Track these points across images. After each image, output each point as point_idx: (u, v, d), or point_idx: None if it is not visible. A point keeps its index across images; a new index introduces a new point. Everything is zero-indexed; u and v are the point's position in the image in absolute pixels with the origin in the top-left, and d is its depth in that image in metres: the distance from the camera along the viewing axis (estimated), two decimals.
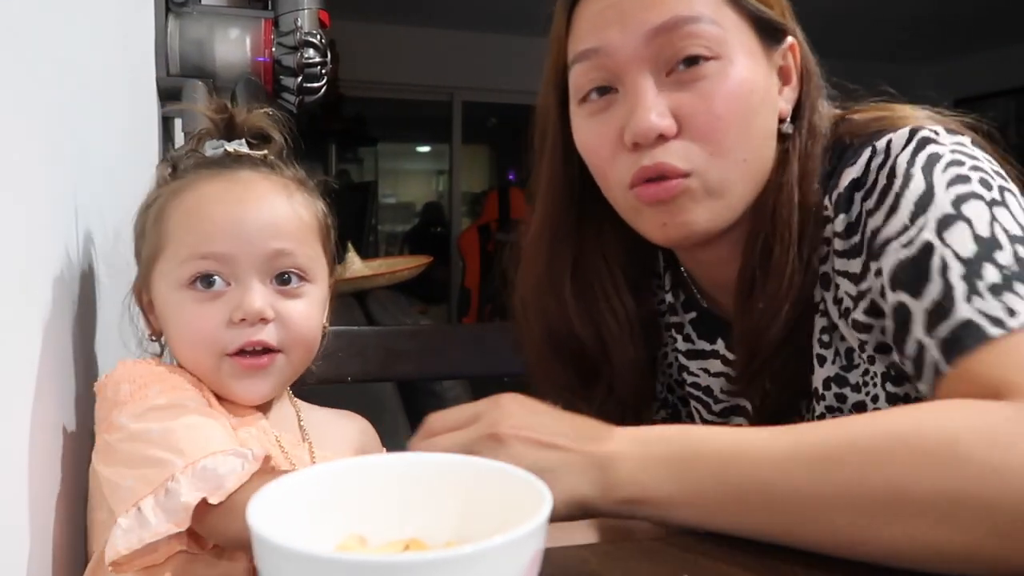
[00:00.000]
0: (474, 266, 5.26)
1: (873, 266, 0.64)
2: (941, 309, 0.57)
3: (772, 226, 0.69)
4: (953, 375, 0.55)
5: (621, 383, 0.80)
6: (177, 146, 1.25)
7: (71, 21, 0.77)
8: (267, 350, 0.67)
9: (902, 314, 0.60)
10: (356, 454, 0.74)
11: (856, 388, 0.70)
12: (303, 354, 0.71)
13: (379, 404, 2.08)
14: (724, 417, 0.81)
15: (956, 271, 0.58)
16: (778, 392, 0.73)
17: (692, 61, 0.66)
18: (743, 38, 0.68)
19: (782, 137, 0.71)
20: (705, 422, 0.82)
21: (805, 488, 0.51)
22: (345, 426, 0.79)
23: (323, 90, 1.27)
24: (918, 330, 0.59)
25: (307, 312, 0.69)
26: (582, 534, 0.67)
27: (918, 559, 0.48)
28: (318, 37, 1.25)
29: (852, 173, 0.67)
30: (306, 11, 1.27)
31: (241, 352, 0.66)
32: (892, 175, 0.64)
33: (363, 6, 4.31)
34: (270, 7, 1.29)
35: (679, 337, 0.83)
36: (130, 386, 0.63)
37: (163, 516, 0.56)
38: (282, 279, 0.68)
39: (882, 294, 0.63)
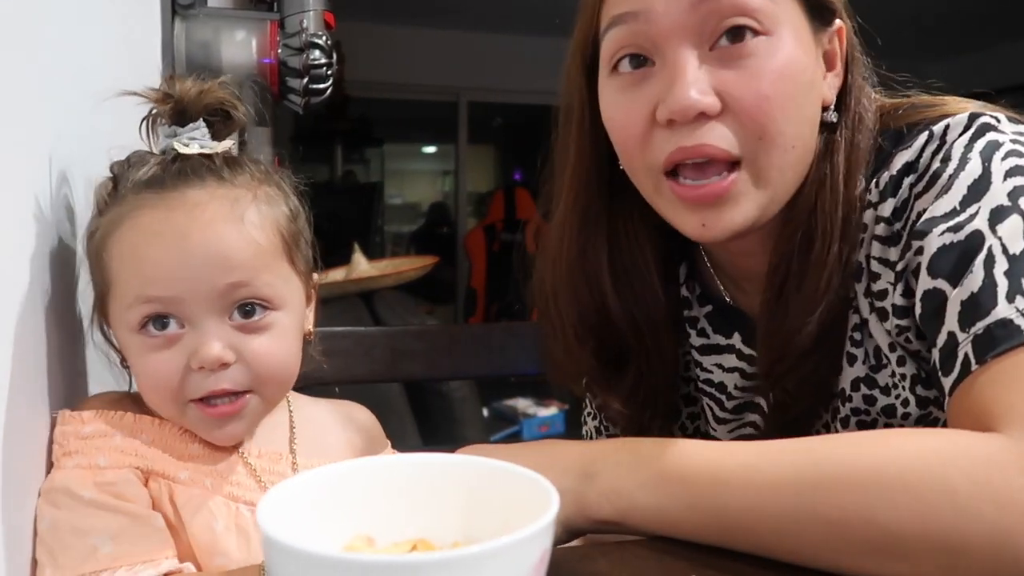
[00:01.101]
0: (480, 266, 5.26)
1: (915, 244, 0.60)
2: (979, 304, 0.54)
3: (813, 222, 0.65)
4: (981, 374, 0.53)
5: (653, 369, 0.77)
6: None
7: (79, 24, 0.77)
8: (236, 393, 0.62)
9: (936, 300, 0.57)
10: (354, 455, 0.72)
11: (885, 390, 0.67)
12: (277, 388, 0.66)
13: (386, 404, 2.09)
14: (737, 414, 0.79)
15: (1001, 266, 0.54)
16: (801, 393, 0.70)
17: (738, 35, 0.60)
18: (793, 15, 0.62)
19: (823, 126, 0.66)
20: (717, 419, 0.80)
21: (787, 516, 0.50)
22: (345, 424, 0.76)
23: (329, 91, 1.27)
24: (951, 321, 0.56)
25: (273, 347, 0.63)
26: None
27: None
28: (323, 38, 1.25)
29: (905, 157, 0.63)
30: (311, 12, 1.27)
31: (207, 398, 0.62)
32: (947, 159, 0.60)
33: (368, 7, 4.32)
34: (276, 9, 1.30)
35: (693, 332, 0.80)
36: (76, 443, 0.60)
37: None
38: (243, 311, 0.62)
39: (915, 273, 0.60)
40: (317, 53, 1.24)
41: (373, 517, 0.45)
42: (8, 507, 0.55)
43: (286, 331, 0.64)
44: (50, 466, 0.61)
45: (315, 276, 0.71)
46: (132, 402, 0.65)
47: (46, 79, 0.65)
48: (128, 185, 0.62)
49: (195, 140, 0.63)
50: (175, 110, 0.63)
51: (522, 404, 3.07)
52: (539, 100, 5.52)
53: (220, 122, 0.65)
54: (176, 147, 0.63)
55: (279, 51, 1.24)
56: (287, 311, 0.64)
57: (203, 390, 0.61)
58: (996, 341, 0.52)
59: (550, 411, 3.05)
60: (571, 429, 2.89)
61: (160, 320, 0.60)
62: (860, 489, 0.48)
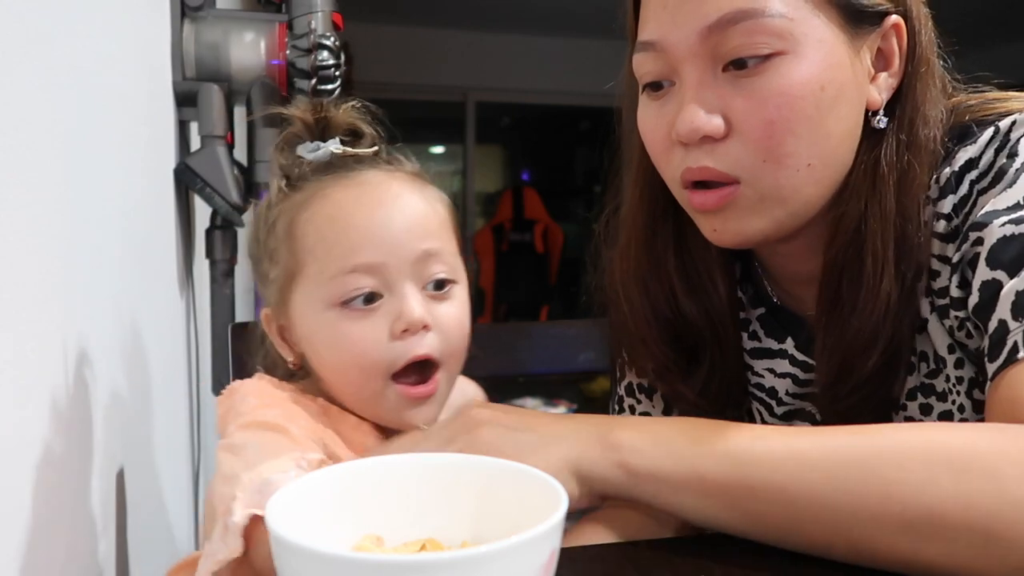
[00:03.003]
0: (488, 266, 5.26)
1: (972, 235, 0.59)
2: None
3: (863, 235, 0.63)
4: None
5: (725, 364, 0.77)
6: (193, 150, 1.26)
7: (89, 27, 0.77)
8: (429, 364, 0.63)
9: (992, 290, 0.57)
10: None
11: (942, 396, 0.66)
12: (456, 367, 0.67)
13: None
14: (787, 420, 0.78)
15: None
16: (862, 410, 0.67)
17: (742, 63, 0.60)
18: (818, 27, 0.60)
19: (873, 131, 0.64)
20: (766, 424, 0.79)
21: (821, 493, 0.50)
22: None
23: (337, 92, 1.27)
24: (1004, 309, 0.55)
25: (460, 315, 0.66)
26: (597, 534, 0.67)
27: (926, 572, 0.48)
28: (332, 39, 1.25)
29: (968, 153, 0.62)
30: (320, 13, 1.27)
31: (404, 375, 0.63)
32: (1013, 155, 0.59)
33: (376, 8, 4.32)
34: (284, 10, 1.30)
35: (744, 334, 0.79)
36: (256, 400, 0.61)
37: (221, 541, 0.51)
38: (432, 284, 0.64)
39: (972, 264, 0.59)
40: (325, 54, 1.24)
41: (382, 517, 0.45)
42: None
43: (464, 305, 0.67)
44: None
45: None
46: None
47: (55, 81, 0.66)
48: (304, 172, 0.66)
49: (342, 147, 0.67)
50: (318, 128, 0.68)
51: (531, 404, 3.06)
52: (547, 100, 5.53)
53: (352, 141, 0.69)
54: (332, 149, 0.66)
55: (288, 52, 1.24)
56: (462, 287, 0.67)
57: (406, 355, 0.62)
58: None
59: (559, 411, 3.05)
60: None
61: (367, 298, 0.62)
62: (906, 466, 0.48)
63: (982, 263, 0.58)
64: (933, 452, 0.48)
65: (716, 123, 0.61)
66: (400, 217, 0.63)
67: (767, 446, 0.52)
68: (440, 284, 0.65)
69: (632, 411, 0.86)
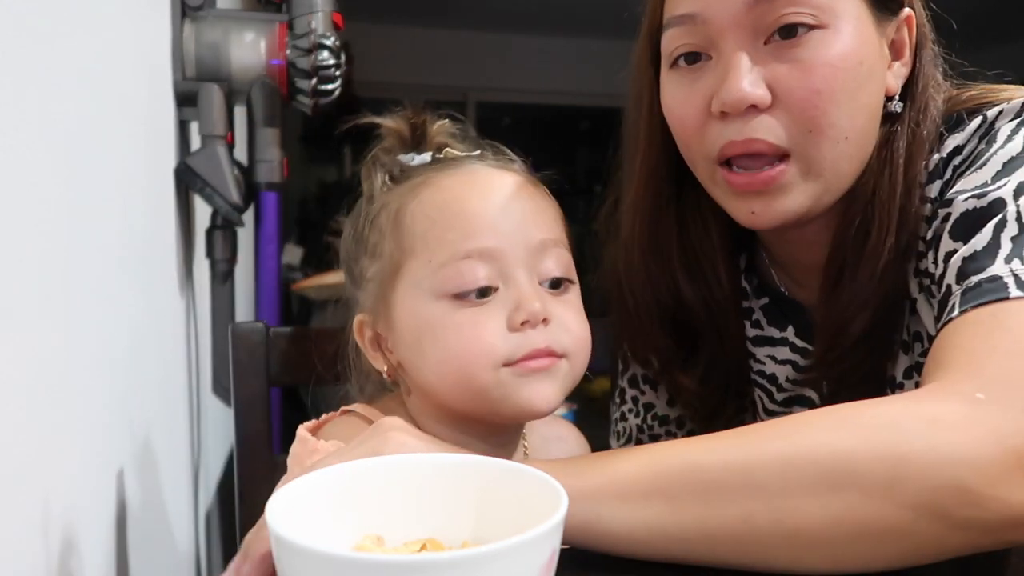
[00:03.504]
0: None
1: (941, 212, 0.61)
2: (977, 260, 0.56)
3: (871, 212, 0.65)
4: (959, 321, 0.54)
5: (725, 351, 0.78)
6: (193, 150, 1.26)
7: (89, 27, 0.77)
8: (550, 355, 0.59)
9: (947, 259, 0.59)
10: None
11: None
12: (582, 363, 0.62)
13: None
14: (787, 407, 0.79)
15: (1011, 231, 0.56)
16: (852, 381, 0.70)
17: (792, 30, 0.61)
18: (853, 6, 0.63)
19: (887, 116, 0.66)
20: (766, 411, 0.81)
21: (732, 463, 0.48)
22: (558, 444, 0.74)
23: (338, 92, 1.27)
24: (952, 275, 0.57)
25: (580, 318, 0.62)
26: None
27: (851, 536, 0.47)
28: (332, 39, 1.25)
29: (956, 140, 0.64)
30: (320, 13, 1.27)
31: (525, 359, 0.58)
32: (992, 140, 0.61)
33: (376, 8, 4.32)
34: (284, 10, 1.30)
35: (747, 323, 0.80)
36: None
37: None
38: (548, 282, 0.60)
39: (938, 239, 0.61)
40: (326, 54, 1.24)
41: (383, 517, 0.45)
42: None
43: (582, 311, 0.63)
44: None
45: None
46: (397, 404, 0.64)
47: (55, 81, 0.66)
48: (412, 165, 0.64)
49: (445, 151, 0.65)
50: (413, 142, 0.65)
51: None
52: (547, 100, 5.53)
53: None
54: (434, 154, 0.64)
55: (288, 52, 1.24)
56: (577, 288, 0.63)
57: (525, 347, 0.58)
58: (982, 293, 0.53)
59: (560, 411, 3.04)
60: (581, 428, 2.87)
61: (482, 292, 0.58)
62: (810, 425, 0.49)
63: (945, 236, 0.60)
64: (828, 413, 0.50)
65: (762, 92, 0.61)
66: (516, 204, 0.60)
67: (675, 450, 0.52)
68: (556, 283, 0.61)
69: (635, 403, 0.87)
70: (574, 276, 0.63)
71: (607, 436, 0.92)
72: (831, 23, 0.61)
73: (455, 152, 0.65)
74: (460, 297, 0.58)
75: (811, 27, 0.61)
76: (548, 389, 0.59)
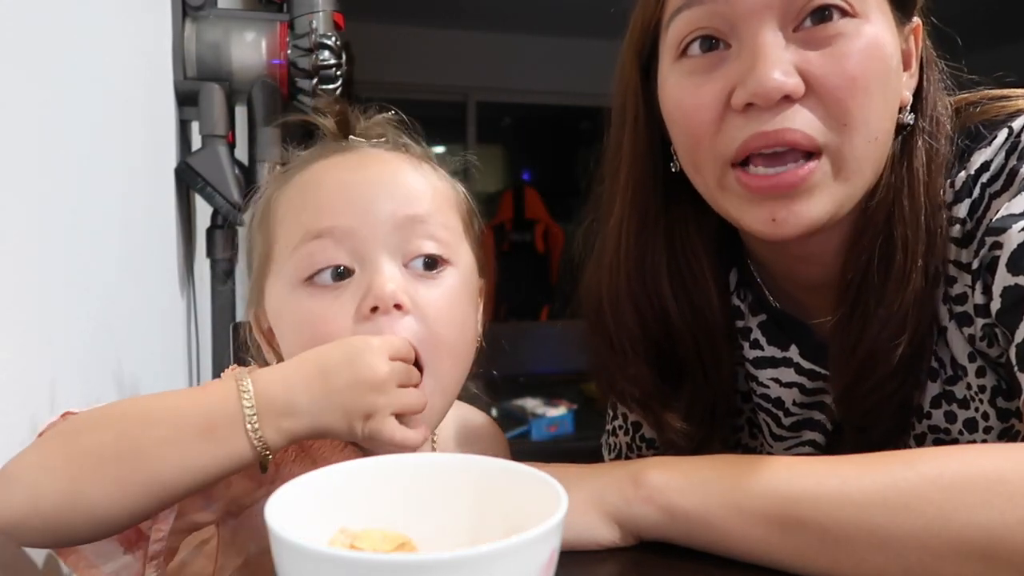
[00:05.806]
0: (489, 266, 5.26)
1: (989, 240, 0.57)
2: None
3: (893, 230, 0.60)
4: None
5: (710, 383, 0.73)
6: (194, 149, 1.26)
7: (90, 27, 0.77)
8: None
9: (1015, 296, 0.55)
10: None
11: (964, 404, 0.64)
12: (449, 373, 0.56)
13: None
14: (795, 431, 0.75)
15: None
16: (880, 416, 0.65)
17: (825, 15, 0.56)
18: (880, 1, 0.59)
19: (899, 128, 0.62)
20: (774, 436, 0.76)
21: (874, 525, 0.47)
22: (467, 433, 0.69)
23: (338, 92, 1.27)
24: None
25: (450, 303, 0.55)
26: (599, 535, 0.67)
27: None
28: (333, 39, 1.25)
29: (984, 156, 0.60)
30: (321, 13, 1.28)
31: None
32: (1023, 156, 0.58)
33: (377, 8, 4.32)
34: (285, 10, 1.30)
35: (746, 344, 0.74)
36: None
37: None
38: (420, 261, 0.55)
39: (991, 269, 0.57)
40: (327, 54, 1.24)
41: (383, 516, 0.45)
42: None
43: (460, 296, 0.57)
44: None
45: (482, 281, 0.65)
46: None
47: (56, 81, 0.66)
48: (299, 154, 0.59)
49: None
50: (342, 136, 0.61)
51: (531, 404, 3.06)
52: (547, 100, 5.52)
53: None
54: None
55: (289, 52, 1.24)
56: (460, 272, 0.57)
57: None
58: None
59: (559, 411, 3.04)
60: (580, 429, 2.88)
61: (335, 271, 0.53)
62: (959, 492, 0.46)
63: (1002, 268, 0.56)
64: (983, 476, 0.46)
65: (796, 80, 0.56)
66: (380, 180, 0.54)
67: (807, 481, 0.50)
68: (430, 264, 0.55)
69: (625, 419, 0.84)
70: (456, 259, 0.57)
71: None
72: (863, 12, 0.57)
73: (358, 140, 0.60)
74: (313, 282, 0.53)
75: (844, 13, 0.57)
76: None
